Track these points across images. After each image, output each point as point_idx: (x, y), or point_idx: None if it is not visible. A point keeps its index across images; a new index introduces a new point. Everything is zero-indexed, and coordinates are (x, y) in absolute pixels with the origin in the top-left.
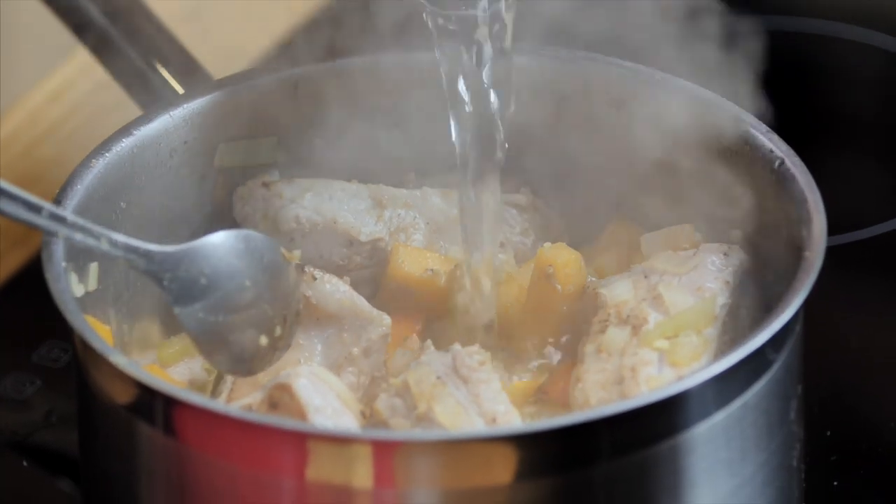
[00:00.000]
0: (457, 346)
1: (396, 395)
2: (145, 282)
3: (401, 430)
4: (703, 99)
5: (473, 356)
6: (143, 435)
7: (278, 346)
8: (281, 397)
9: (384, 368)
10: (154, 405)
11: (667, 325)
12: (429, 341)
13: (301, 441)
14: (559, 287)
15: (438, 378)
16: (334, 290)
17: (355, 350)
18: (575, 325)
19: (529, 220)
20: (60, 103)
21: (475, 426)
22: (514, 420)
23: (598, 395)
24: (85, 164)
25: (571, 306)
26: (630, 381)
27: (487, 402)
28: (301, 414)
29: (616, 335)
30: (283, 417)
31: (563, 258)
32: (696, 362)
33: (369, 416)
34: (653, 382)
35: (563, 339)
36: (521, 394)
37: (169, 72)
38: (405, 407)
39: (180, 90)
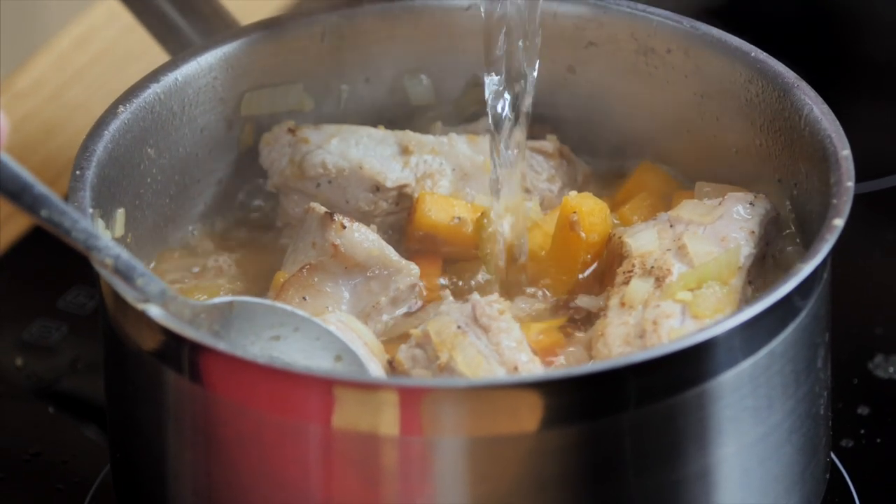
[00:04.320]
0: (476, 296)
1: (417, 346)
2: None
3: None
4: (730, 46)
5: (493, 305)
6: (169, 382)
7: None
8: None
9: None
10: (180, 352)
11: (689, 277)
12: (447, 292)
13: (328, 388)
14: (583, 235)
15: (459, 328)
16: (363, 238)
17: (383, 299)
18: (598, 275)
19: (556, 167)
20: (87, 49)
21: (496, 376)
22: (537, 370)
23: (619, 350)
24: (111, 110)
25: (595, 255)
26: (652, 335)
27: (508, 351)
28: None
29: (639, 287)
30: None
31: (589, 206)
32: (720, 314)
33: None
34: (674, 335)
35: (582, 297)
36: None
37: (196, 18)
38: (426, 357)
39: (207, 37)
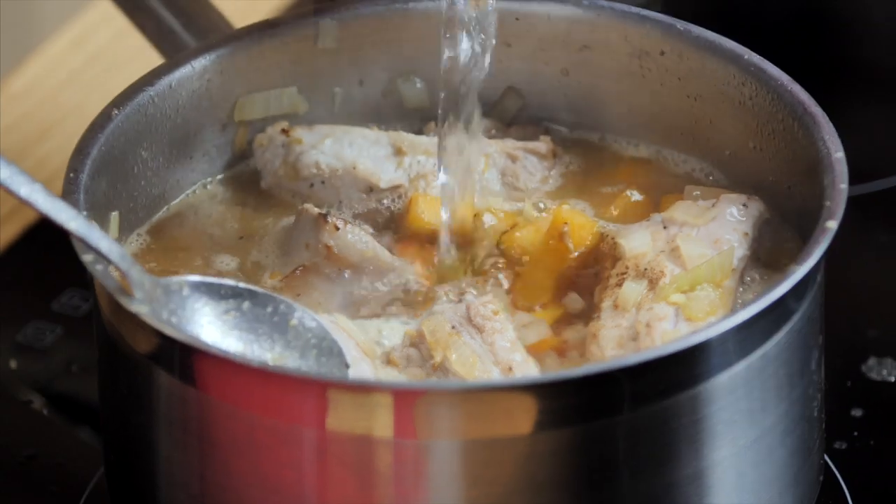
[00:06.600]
0: (470, 296)
1: (411, 345)
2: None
3: (416, 380)
4: (724, 49)
5: (487, 305)
6: (162, 384)
7: None
8: None
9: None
10: (174, 354)
11: (682, 279)
12: (441, 290)
13: (321, 390)
14: (571, 246)
15: (453, 327)
16: (356, 239)
17: (375, 300)
18: (584, 283)
19: (549, 168)
20: (81, 51)
21: (491, 376)
22: (531, 370)
23: (613, 352)
24: (105, 113)
25: (577, 266)
26: (645, 338)
27: (503, 351)
28: None
29: (632, 289)
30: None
31: (580, 220)
32: (713, 316)
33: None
34: (668, 338)
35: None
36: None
37: (190, 21)
38: (420, 357)
39: (201, 39)
